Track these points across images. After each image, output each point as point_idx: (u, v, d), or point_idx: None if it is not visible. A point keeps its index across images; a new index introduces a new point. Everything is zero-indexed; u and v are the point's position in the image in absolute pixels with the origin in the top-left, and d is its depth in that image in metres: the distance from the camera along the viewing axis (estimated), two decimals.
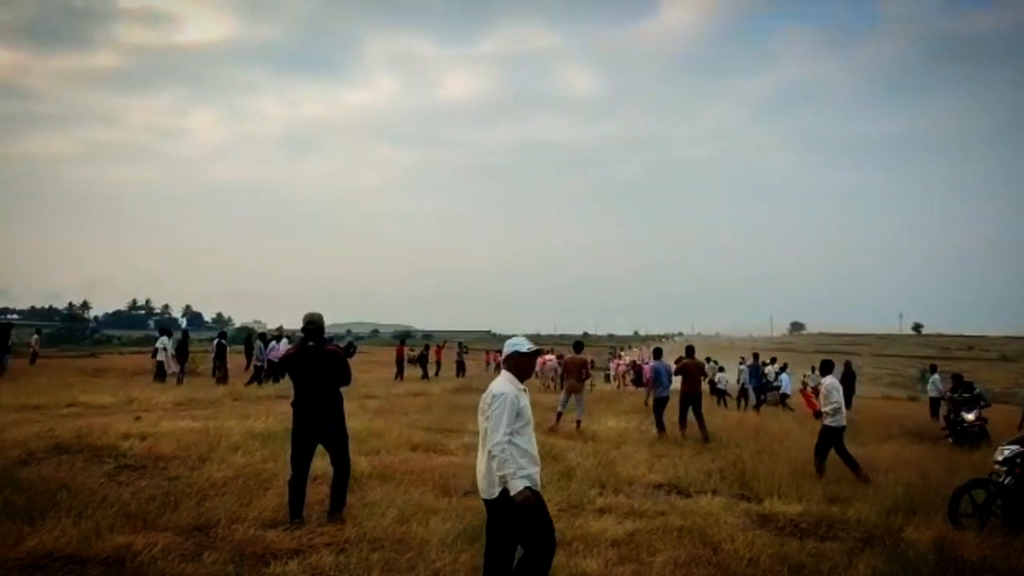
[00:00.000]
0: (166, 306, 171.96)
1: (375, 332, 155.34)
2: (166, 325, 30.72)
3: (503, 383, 4.55)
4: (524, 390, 4.61)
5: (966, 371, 23.86)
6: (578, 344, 16.25)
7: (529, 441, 4.47)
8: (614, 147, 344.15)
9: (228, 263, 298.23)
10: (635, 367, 32.31)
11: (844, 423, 10.51)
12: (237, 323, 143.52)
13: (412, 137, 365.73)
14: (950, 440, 14.70)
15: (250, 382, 21.03)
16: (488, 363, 43.97)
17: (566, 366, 15.68)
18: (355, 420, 9.83)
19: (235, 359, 24.28)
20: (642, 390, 27.03)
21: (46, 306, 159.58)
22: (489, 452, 4.36)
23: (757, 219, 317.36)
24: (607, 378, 36.66)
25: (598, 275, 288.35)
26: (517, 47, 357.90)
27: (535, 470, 4.46)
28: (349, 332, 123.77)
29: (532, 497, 4.31)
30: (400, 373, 29.04)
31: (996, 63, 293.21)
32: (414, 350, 35.33)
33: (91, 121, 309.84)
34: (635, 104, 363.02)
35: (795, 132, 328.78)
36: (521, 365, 4.68)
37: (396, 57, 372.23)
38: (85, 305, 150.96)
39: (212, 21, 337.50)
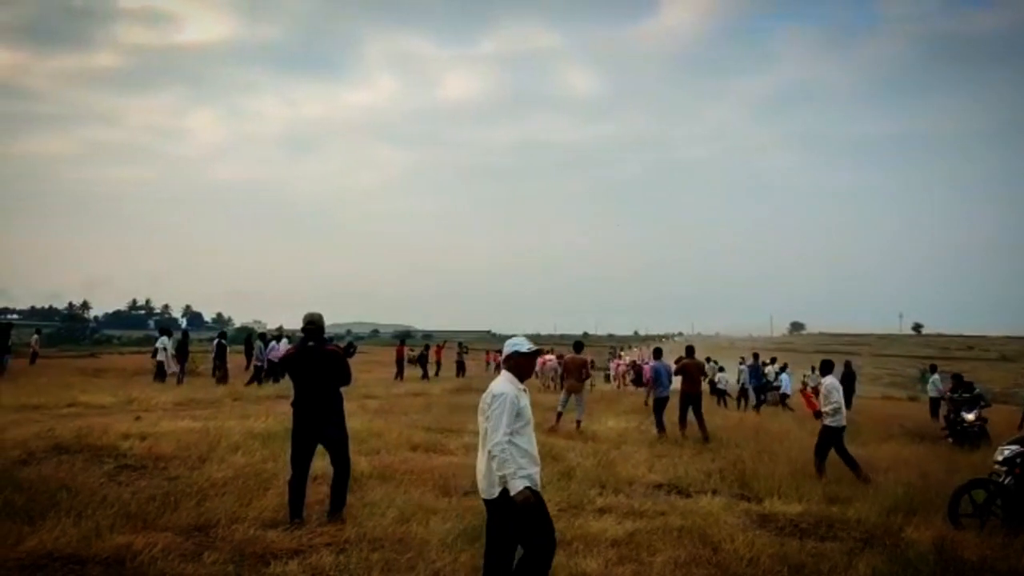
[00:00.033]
0: (166, 306, 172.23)
1: (375, 332, 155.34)
2: (166, 325, 30.72)
3: (503, 383, 4.55)
4: (524, 390, 4.61)
5: (966, 371, 23.86)
6: (578, 344, 16.25)
7: (529, 441, 4.47)
8: (614, 147, 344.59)
9: (228, 263, 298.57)
10: (635, 367, 32.33)
11: (844, 423, 10.51)
12: (237, 323, 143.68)
13: (412, 137, 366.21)
14: (950, 440, 14.70)
15: (250, 382, 21.03)
16: (488, 363, 43.97)
17: (566, 366, 15.68)
18: (355, 420, 9.83)
19: (235, 359, 24.28)
20: (642, 390, 27.04)
21: (46, 306, 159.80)
22: (489, 452, 4.36)
23: (757, 219, 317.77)
24: (607, 378, 36.66)
25: (598, 275, 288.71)
26: (517, 47, 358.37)
27: (535, 470, 4.46)
28: (349, 332, 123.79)
29: (532, 497, 4.31)
30: (400, 373, 29.04)
31: (996, 63, 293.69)
32: (414, 350, 35.32)
33: (91, 121, 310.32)
34: (635, 104, 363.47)
35: (795, 132, 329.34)
36: (521, 365, 4.68)
37: (396, 57, 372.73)
38: (85, 305, 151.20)
39: (212, 21, 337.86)
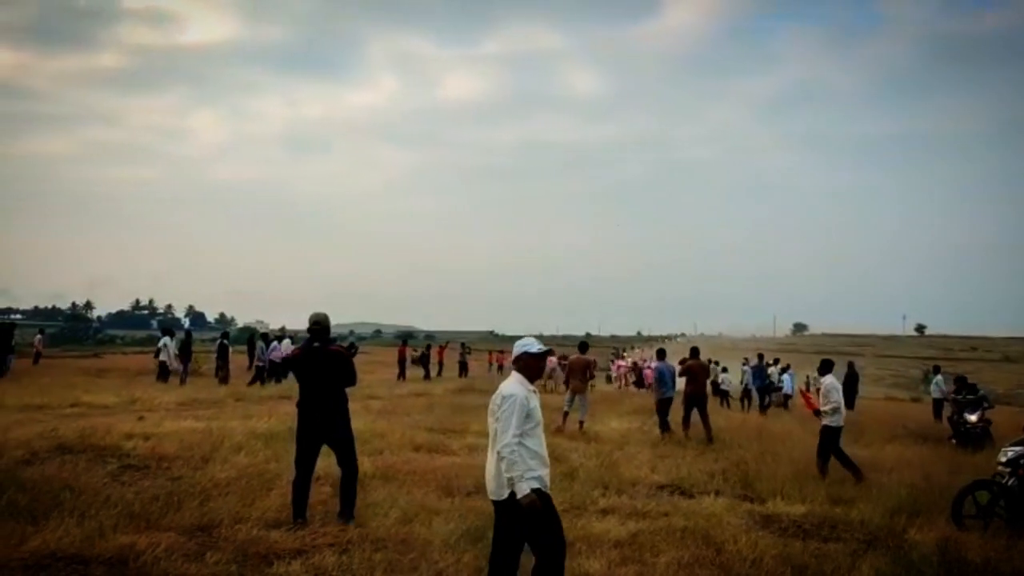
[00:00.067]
0: (169, 306, 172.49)
1: (377, 332, 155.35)
2: (168, 325, 30.81)
3: (513, 384, 4.53)
4: (534, 391, 4.59)
5: (969, 372, 23.85)
6: (583, 345, 16.27)
7: (539, 443, 4.45)
8: (616, 147, 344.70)
9: (231, 263, 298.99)
10: (636, 369, 32.33)
11: (842, 423, 10.50)
12: (240, 323, 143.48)
13: (414, 137, 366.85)
14: (954, 441, 14.68)
15: (252, 382, 21.06)
16: (491, 364, 43.98)
17: (571, 367, 15.67)
18: (358, 421, 9.81)
19: (238, 359, 24.31)
20: (643, 391, 27.06)
21: (49, 306, 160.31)
22: (498, 453, 4.35)
23: (760, 219, 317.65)
24: (608, 379, 36.66)
25: (601, 275, 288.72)
26: (519, 47, 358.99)
27: (544, 471, 4.45)
28: (352, 332, 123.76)
29: (538, 501, 4.29)
30: (402, 374, 29.03)
31: (997, 64, 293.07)
32: (416, 350, 35.32)
33: (94, 121, 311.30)
34: (637, 104, 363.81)
35: (797, 132, 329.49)
36: (531, 366, 4.66)
37: (398, 57, 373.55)
38: (88, 305, 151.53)
39: (214, 22, 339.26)
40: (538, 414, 4.51)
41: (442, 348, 36.57)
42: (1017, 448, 7.91)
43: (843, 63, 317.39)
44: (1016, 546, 6.68)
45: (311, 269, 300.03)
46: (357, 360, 7.33)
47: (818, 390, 12.27)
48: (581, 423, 13.89)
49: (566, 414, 14.15)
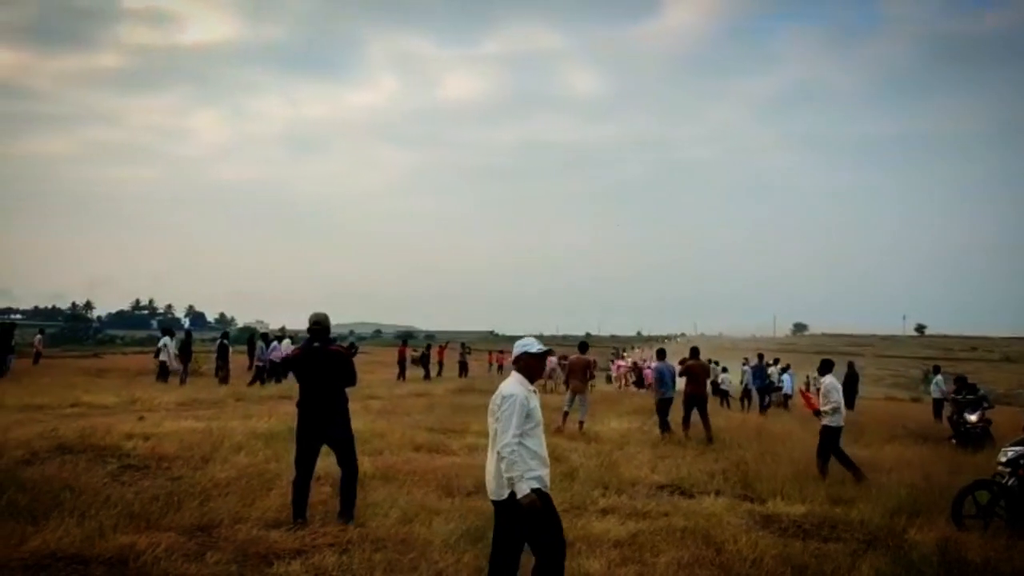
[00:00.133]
0: (169, 306, 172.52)
1: (377, 332, 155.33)
2: (169, 325, 30.81)
3: (513, 384, 4.53)
4: (534, 391, 4.60)
5: (969, 372, 23.83)
6: (583, 345, 16.26)
7: (539, 442, 4.46)
8: (616, 147, 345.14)
9: (231, 263, 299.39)
10: (635, 369, 32.32)
11: (842, 423, 10.50)
12: (240, 323, 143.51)
13: (414, 137, 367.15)
14: (954, 441, 14.67)
15: (252, 382, 21.07)
16: (491, 364, 43.99)
17: (571, 367, 15.66)
18: (358, 421, 9.80)
19: (238, 359, 24.31)
20: (643, 392, 27.05)
21: (49, 306, 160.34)
22: (498, 453, 4.35)
23: (760, 220, 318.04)
24: (608, 379, 36.64)
25: (600, 275, 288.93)
26: (519, 47, 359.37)
27: (545, 471, 4.45)
28: (352, 332, 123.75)
29: (538, 502, 4.30)
30: (402, 374, 29.02)
31: (997, 64, 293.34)
32: (416, 351, 35.32)
33: (94, 121, 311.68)
34: (637, 104, 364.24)
35: (797, 133, 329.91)
36: (531, 366, 4.67)
37: (398, 57, 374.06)
38: (88, 305, 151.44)
39: (215, 21, 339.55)
40: (538, 414, 4.51)
41: (442, 348, 36.56)
42: (1017, 448, 7.91)
43: (843, 63, 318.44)
44: (1016, 546, 6.68)
45: (311, 269, 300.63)
46: (357, 360, 7.33)
47: (818, 390, 12.28)
48: (581, 423, 13.89)
49: (566, 414, 14.14)
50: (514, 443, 4.30)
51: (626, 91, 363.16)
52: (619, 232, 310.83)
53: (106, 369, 29.21)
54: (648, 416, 15.68)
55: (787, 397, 24.39)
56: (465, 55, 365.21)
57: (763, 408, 22.91)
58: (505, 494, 4.35)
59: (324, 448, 6.70)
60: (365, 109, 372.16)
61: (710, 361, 24.84)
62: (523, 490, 4.25)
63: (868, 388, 35.69)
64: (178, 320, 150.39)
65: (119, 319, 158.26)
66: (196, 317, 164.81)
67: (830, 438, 10.35)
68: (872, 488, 9.18)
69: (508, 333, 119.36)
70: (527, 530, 4.35)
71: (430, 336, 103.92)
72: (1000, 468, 7.88)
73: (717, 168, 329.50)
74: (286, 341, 23.62)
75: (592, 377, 16.02)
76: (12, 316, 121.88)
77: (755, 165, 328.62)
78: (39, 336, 31.77)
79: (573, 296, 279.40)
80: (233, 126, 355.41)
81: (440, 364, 34.07)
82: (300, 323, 7.14)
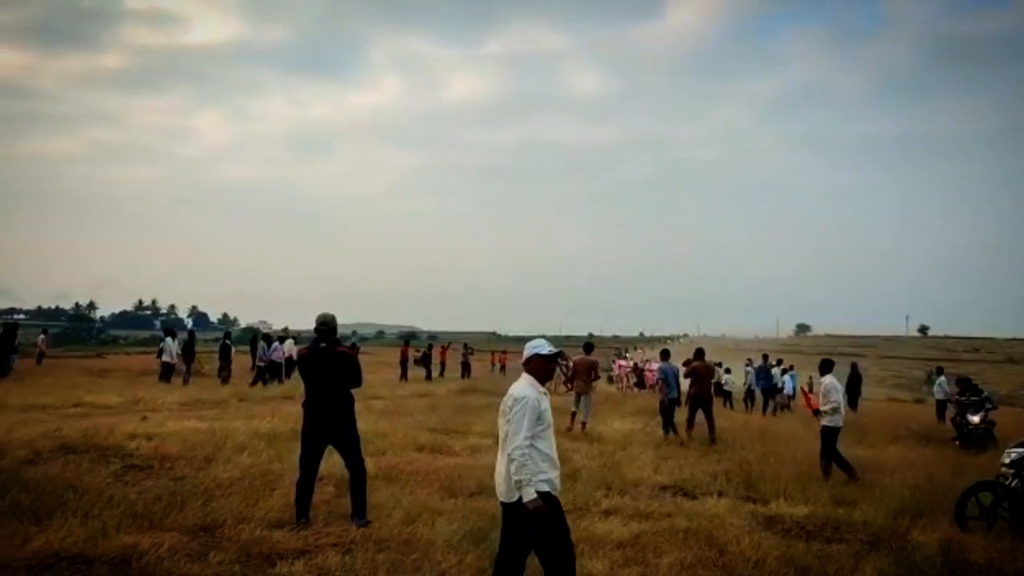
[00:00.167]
0: (172, 306, 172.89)
1: (380, 333, 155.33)
2: (172, 325, 30.87)
3: (524, 386, 4.52)
4: (545, 393, 4.59)
5: (972, 373, 23.81)
6: (588, 345, 16.23)
7: (549, 444, 4.45)
8: (619, 148, 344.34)
9: (234, 263, 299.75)
10: (636, 370, 32.24)
11: (841, 424, 10.49)
12: (243, 323, 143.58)
13: (417, 138, 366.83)
14: (957, 443, 14.65)
15: (254, 382, 21.09)
16: (493, 364, 43.98)
17: (575, 367, 15.64)
18: (361, 421, 9.73)
19: (241, 359, 24.34)
20: (644, 392, 27.02)
21: (53, 306, 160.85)
22: (509, 455, 4.35)
23: (762, 220, 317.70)
24: (610, 379, 36.59)
25: (603, 276, 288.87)
26: (522, 48, 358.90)
27: (555, 474, 4.45)
28: (354, 333, 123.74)
29: (544, 507, 4.29)
30: (404, 374, 29.01)
31: (998, 64, 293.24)
32: (419, 351, 35.33)
33: (97, 121, 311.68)
34: (640, 105, 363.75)
35: (800, 133, 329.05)
36: (541, 368, 4.66)
37: (401, 58, 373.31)
38: (91, 305, 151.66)
39: (218, 22, 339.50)
40: (549, 416, 4.52)
41: (444, 348, 36.54)
42: (1020, 449, 7.89)
43: (845, 64, 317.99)
44: (1020, 547, 6.67)
45: (314, 269, 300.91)
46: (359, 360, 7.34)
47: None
48: (584, 424, 13.89)
49: (574, 415, 14.16)
50: (525, 446, 4.30)
51: (628, 92, 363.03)
52: (621, 232, 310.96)
53: (109, 369, 29.25)
54: (651, 417, 15.68)
55: (789, 398, 24.35)
56: (468, 56, 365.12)
57: (766, 410, 22.88)
58: (515, 497, 4.34)
59: (328, 448, 6.71)
60: (367, 110, 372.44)
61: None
62: (530, 494, 4.25)
63: (871, 389, 35.63)
64: (181, 320, 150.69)
65: (122, 319, 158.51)
66: (199, 317, 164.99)
67: (829, 438, 10.35)
68: (875, 489, 9.17)
69: (510, 333, 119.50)
70: (533, 534, 4.35)
71: (432, 336, 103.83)
72: (1003, 469, 7.86)
73: (719, 169, 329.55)
74: (288, 342, 23.66)
75: (597, 378, 16.00)
76: (15, 316, 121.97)
77: (757, 166, 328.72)
78: (43, 336, 31.89)
79: (575, 297, 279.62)
80: (236, 126, 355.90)
81: (442, 364, 34.08)
82: (303, 323, 7.14)
